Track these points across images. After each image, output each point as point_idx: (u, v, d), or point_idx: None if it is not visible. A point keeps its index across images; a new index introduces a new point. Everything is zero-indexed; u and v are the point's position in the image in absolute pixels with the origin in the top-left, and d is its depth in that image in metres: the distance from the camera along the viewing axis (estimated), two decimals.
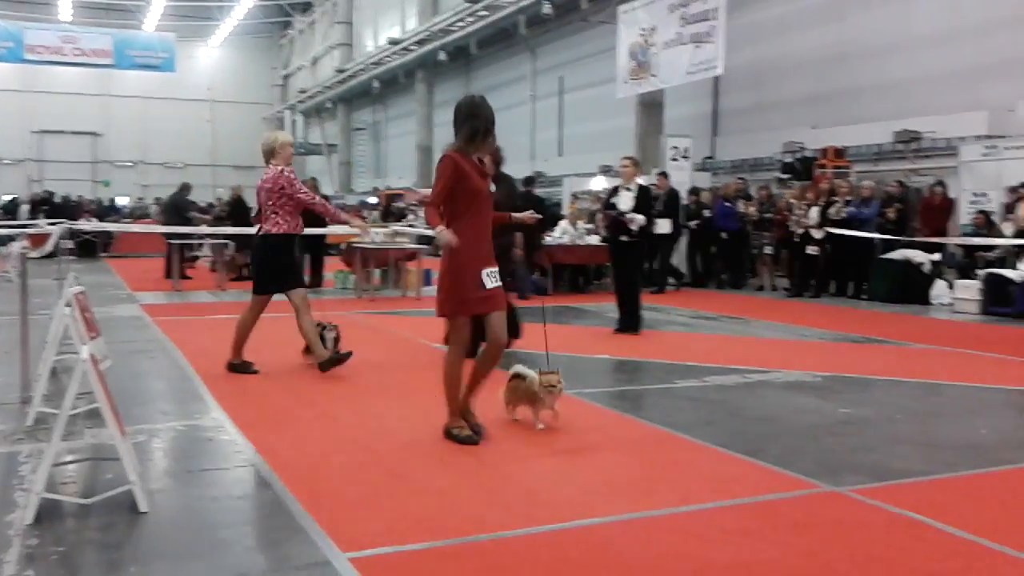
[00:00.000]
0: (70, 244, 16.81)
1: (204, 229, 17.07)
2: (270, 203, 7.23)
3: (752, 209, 15.95)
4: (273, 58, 55.71)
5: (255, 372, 7.32)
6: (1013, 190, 13.49)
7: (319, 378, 7.09)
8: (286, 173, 7.26)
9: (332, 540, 3.63)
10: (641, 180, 9.75)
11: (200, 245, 18.95)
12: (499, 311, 5.16)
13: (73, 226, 14.93)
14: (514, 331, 9.06)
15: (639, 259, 10.06)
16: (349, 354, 7.28)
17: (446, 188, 5.03)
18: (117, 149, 49.89)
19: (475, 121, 5.13)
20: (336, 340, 7.63)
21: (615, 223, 9.60)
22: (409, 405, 6.32)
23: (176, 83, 46.16)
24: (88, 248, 23.97)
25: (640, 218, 9.38)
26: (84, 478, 4.54)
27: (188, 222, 17.54)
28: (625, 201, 9.47)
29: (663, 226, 14.74)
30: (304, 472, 4.60)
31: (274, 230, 7.26)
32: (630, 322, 9.78)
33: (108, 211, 32.17)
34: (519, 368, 5.65)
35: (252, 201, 16.78)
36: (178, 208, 18.38)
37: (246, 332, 7.46)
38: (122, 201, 38.84)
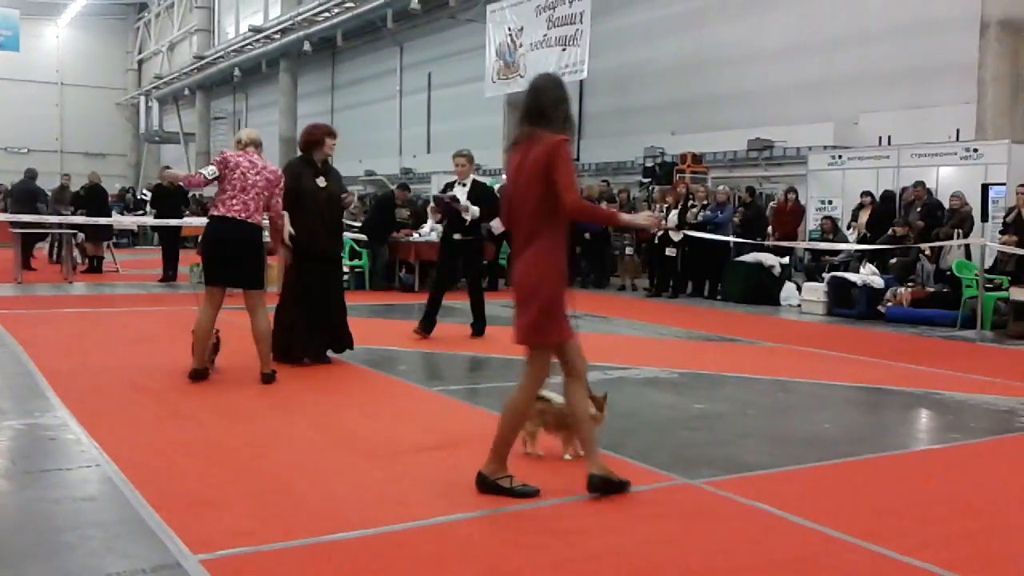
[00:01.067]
0: None
1: (57, 218, 16.15)
2: (265, 194, 6.63)
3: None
4: (127, 41, 53.40)
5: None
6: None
7: (173, 376, 6.81)
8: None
9: (182, 541, 3.49)
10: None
11: (46, 235, 17.96)
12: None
13: None
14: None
15: (476, 258, 9.56)
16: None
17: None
18: None
19: (567, 105, 4.20)
20: (216, 348, 7.01)
21: (447, 211, 9.13)
22: (267, 404, 6.16)
23: (20, 63, 43.53)
24: None
25: (475, 209, 8.96)
26: None
27: (39, 211, 16.54)
28: (459, 197, 9.13)
29: (498, 225, 15.21)
30: (154, 472, 4.41)
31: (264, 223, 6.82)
32: (478, 324, 9.43)
33: None
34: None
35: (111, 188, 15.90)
36: (34, 196, 17.33)
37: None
38: None
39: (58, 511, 3.87)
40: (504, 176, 17.27)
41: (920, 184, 13.31)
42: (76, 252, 16.18)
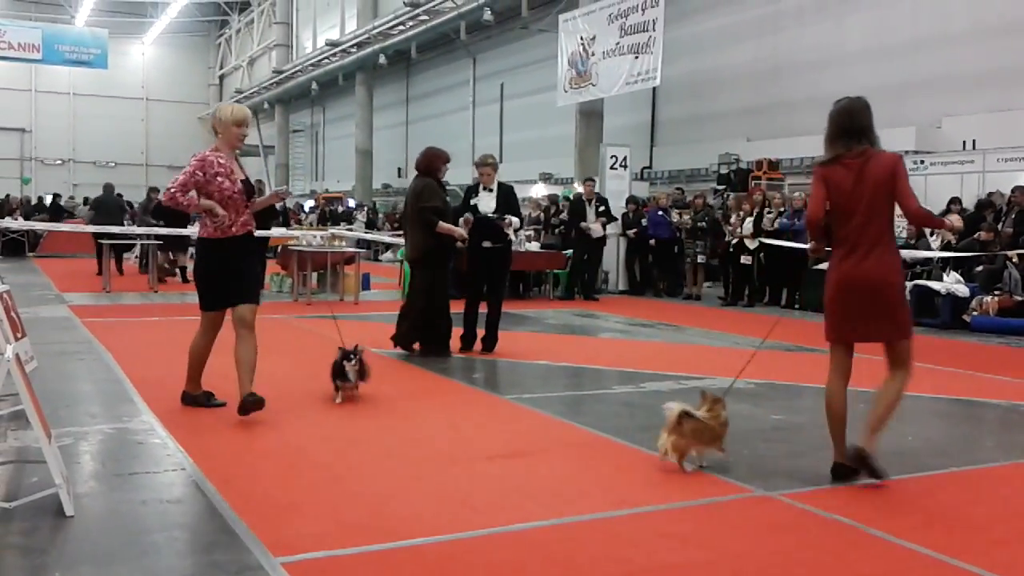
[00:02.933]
0: None
1: (141, 229, 16.73)
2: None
3: (685, 218, 16.12)
4: (209, 57, 54.92)
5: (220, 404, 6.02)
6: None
7: (254, 383, 6.95)
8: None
9: (265, 544, 3.57)
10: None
11: (132, 245, 18.61)
12: None
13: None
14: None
15: (506, 267, 9.15)
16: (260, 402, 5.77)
17: None
18: (45, 146, 48.64)
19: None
20: (361, 373, 6.40)
21: (489, 228, 8.71)
22: (344, 411, 6.25)
23: (108, 80, 45.18)
24: (15, 247, 23.31)
25: (516, 221, 8.82)
26: (7, 481, 4.41)
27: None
28: (485, 202, 8.74)
29: (597, 230, 15.31)
30: (237, 476, 4.52)
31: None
32: (491, 338, 8.96)
33: (36, 210, 31.28)
34: (682, 405, 4.84)
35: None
36: (121, 208, 18.23)
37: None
38: (51, 200, 37.77)
39: (145, 512, 4.00)
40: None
41: (1019, 189, 12.81)
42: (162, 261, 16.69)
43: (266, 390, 6.71)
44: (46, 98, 48.38)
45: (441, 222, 8.32)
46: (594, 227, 15.24)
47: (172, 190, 5.63)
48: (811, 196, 4.95)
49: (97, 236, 17.08)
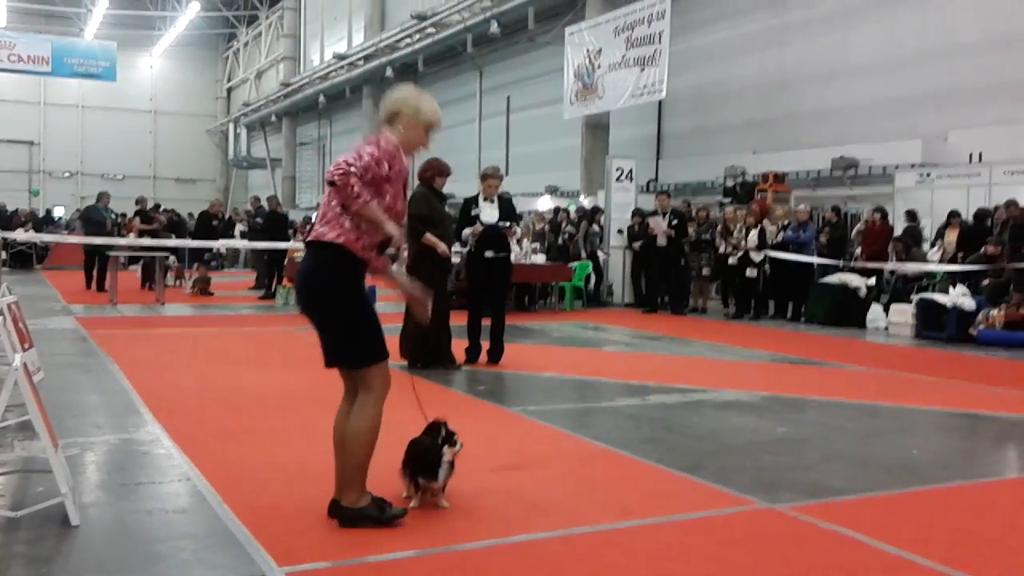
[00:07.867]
0: (3, 255, 16.47)
1: (151, 241, 16.92)
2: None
3: (690, 231, 16.06)
4: (217, 70, 55.15)
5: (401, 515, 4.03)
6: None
7: (260, 393, 6.99)
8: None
9: (269, 554, 3.58)
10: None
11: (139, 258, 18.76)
12: None
13: (6, 236, 14.65)
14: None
15: (508, 277, 9.31)
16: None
17: None
18: (54, 159, 48.86)
19: None
20: (450, 468, 4.21)
21: (492, 238, 8.81)
22: None
23: (117, 93, 45.37)
24: (23, 259, 23.44)
25: (518, 228, 9.00)
26: (13, 491, 4.42)
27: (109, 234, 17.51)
28: (488, 213, 8.80)
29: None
30: (242, 486, 4.53)
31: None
32: (496, 349, 8.96)
33: (44, 222, 31.42)
34: None
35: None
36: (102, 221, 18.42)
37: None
38: (59, 212, 37.95)
39: (151, 522, 4.01)
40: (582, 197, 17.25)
41: (1012, 204, 12.92)
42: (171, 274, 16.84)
43: (273, 402, 6.74)
44: (55, 111, 48.61)
45: (428, 234, 8.13)
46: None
47: (354, 170, 3.77)
48: None
49: (86, 248, 17.31)
